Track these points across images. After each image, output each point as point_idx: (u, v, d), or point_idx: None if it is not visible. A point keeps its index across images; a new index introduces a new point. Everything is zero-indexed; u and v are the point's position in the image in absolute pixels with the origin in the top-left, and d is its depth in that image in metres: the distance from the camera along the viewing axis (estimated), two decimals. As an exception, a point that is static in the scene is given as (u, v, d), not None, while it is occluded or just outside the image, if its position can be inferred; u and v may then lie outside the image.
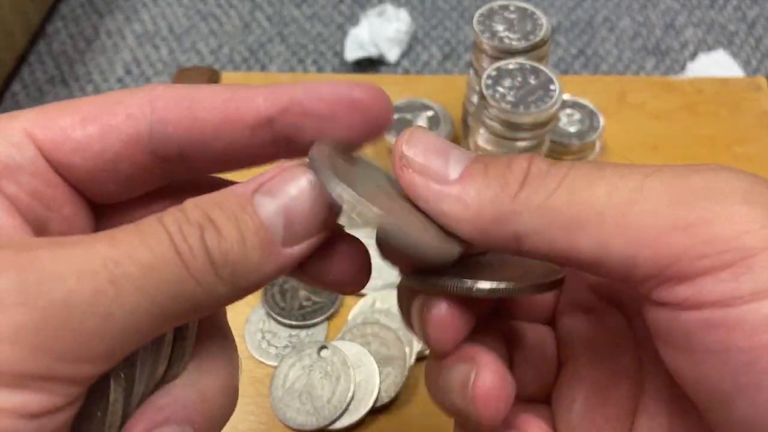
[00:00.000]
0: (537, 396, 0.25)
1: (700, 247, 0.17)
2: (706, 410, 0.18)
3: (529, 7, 0.52)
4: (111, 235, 0.18)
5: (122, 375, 0.20)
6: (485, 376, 0.21)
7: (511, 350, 0.25)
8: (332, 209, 0.20)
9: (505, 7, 0.52)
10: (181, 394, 0.21)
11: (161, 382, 0.22)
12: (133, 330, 0.18)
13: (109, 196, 0.22)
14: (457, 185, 0.20)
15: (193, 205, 0.19)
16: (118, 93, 0.21)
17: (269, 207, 0.20)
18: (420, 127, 0.22)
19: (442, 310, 0.21)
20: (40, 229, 0.20)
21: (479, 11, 0.53)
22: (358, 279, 0.23)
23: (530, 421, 0.24)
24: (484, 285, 0.20)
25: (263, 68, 0.97)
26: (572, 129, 0.55)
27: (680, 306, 0.17)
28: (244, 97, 0.21)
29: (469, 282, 0.21)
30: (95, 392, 0.19)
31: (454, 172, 0.21)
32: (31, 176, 0.20)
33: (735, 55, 0.69)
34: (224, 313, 0.25)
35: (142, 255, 0.18)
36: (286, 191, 0.20)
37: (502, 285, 0.21)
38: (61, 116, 0.20)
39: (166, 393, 0.21)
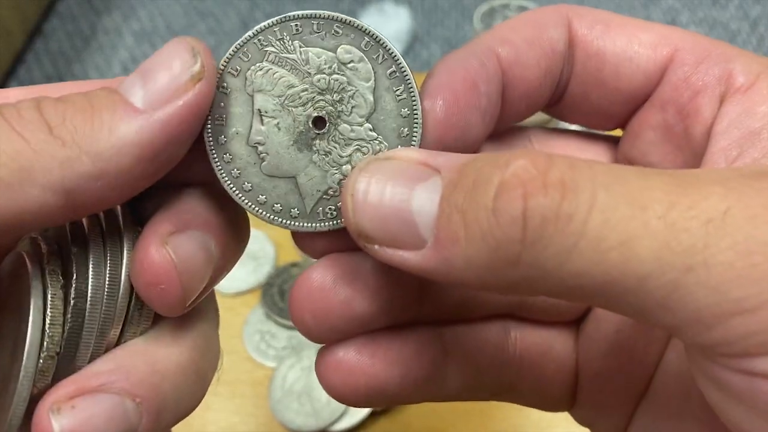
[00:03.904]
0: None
1: None
2: None
3: (530, 5, 0.52)
4: None
5: (49, 331, 0.18)
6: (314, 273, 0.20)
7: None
8: (203, 67, 0.18)
9: (506, 6, 0.52)
10: (127, 361, 0.19)
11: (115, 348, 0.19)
12: None
13: None
14: (437, 254, 0.16)
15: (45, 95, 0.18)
16: None
17: (131, 81, 0.18)
18: (362, 172, 0.18)
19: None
20: None
21: (480, 9, 0.52)
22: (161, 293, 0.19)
23: None
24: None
25: (262, 67, 0.97)
26: (574, 128, 0.55)
27: (757, 376, 0.15)
28: None
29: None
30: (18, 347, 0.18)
31: (427, 235, 0.16)
32: None
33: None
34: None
35: None
36: (155, 75, 0.18)
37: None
38: None
39: (109, 358, 0.19)
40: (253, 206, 0.20)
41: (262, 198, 0.20)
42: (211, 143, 0.20)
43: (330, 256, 0.21)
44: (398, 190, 0.17)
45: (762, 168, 0.17)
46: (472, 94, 0.20)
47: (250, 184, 0.20)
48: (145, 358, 0.19)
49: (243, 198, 0.20)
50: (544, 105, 0.23)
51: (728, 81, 0.20)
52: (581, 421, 0.24)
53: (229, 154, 0.20)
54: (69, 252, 0.19)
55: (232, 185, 0.20)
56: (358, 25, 0.20)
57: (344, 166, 0.20)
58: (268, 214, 0.20)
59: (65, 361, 0.18)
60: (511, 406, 0.44)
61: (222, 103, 0.20)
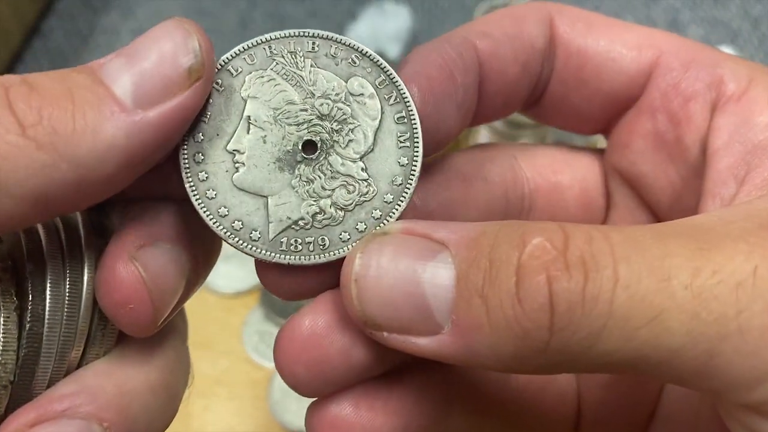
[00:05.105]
0: None
1: None
2: None
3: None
4: None
5: (1, 359, 0.16)
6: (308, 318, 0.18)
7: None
8: (197, 59, 0.16)
9: (507, 5, 0.52)
10: (92, 383, 0.17)
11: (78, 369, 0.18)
12: None
13: None
14: (458, 340, 0.15)
15: (11, 75, 0.16)
16: None
17: (116, 65, 0.16)
18: (362, 253, 0.16)
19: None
20: None
21: (480, 9, 0.52)
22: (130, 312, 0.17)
23: None
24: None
25: (261, 66, 0.97)
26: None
27: None
28: None
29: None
30: None
31: (443, 319, 0.15)
32: None
33: (739, 53, 0.69)
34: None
35: None
36: (144, 54, 0.16)
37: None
38: None
39: (72, 380, 0.17)
40: (211, 216, 0.18)
41: (223, 210, 0.18)
42: (186, 139, 0.18)
43: (319, 298, 0.19)
44: (407, 272, 0.15)
45: None
46: (448, 83, 0.19)
47: (214, 192, 0.18)
48: (112, 379, 0.17)
49: (202, 205, 0.18)
50: (522, 104, 0.22)
51: (719, 88, 0.19)
52: None
53: (202, 155, 0.18)
54: (23, 268, 0.17)
55: (194, 188, 0.18)
56: (377, 60, 0.19)
57: (323, 200, 0.18)
58: (224, 230, 0.18)
59: (20, 389, 0.17)
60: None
61: (210, 100, 0.18)
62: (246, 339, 0.47)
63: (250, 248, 0.18)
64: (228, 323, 0.48)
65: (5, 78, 0.15)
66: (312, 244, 0.18)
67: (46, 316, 0.17)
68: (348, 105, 0.19)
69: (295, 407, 0.44)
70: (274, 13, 1.06)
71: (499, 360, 0.15)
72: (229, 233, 0.18)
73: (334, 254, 0.18)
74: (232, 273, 0.50)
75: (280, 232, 0.18)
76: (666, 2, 0.69)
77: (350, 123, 0.19)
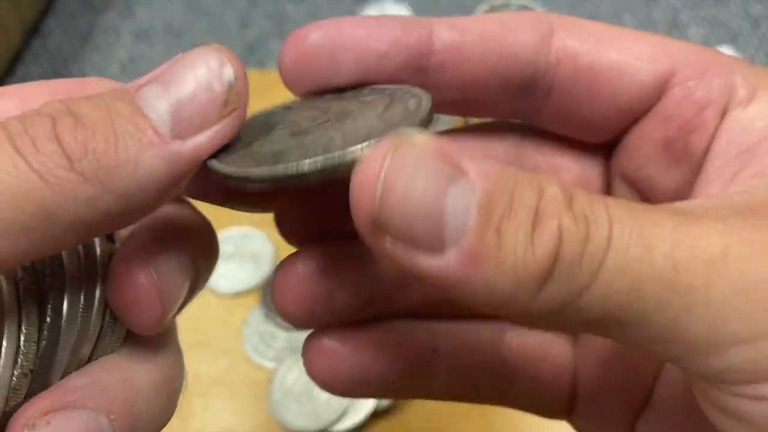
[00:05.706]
0: None
1: None
2: None
3: (530, 3, 0.52)
4: None
5: (23, 348, 0.17)
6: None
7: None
8: (236, 87, 0.17)
9: (507, 5, 0.52)
10: (102, 377, 0.18)
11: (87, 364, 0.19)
12: None
13: None
14: (459, 269, 0.15)
15: (55, 100, 0.16)
16: None
17: (153, 93, 0.17)
18: (394, 151, 0.15)
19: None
20: None
21: (480, 9, 0.52)
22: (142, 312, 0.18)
23: None
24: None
25: (261, 65, 0.97)
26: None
27: None
28: None
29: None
30: None
31: (452, 245, 0.15)
32: None
33: (739, 53, 0.69)
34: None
35: None
36: (179, 80, 0.17)
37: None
38: None
39: (84, 374, 0.18)
40: (220, 163, 0.17)
41: (229, 167, 0.18)
42: None
43: (309, 249, 0.21)
44: (433, 186, 0.15)
45: (754, 202, 0.17)
46: (359, 44, 0.19)
47: (230, 160, 0.18)
48: (120, 375, 0.18)
49: (216, 164, 0.18)
50: (508, 110, 0.22)
51: (731, 95, 0.20)
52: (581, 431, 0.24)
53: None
54: (44, 268, 0.18)
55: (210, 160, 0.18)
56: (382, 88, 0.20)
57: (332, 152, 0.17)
58: (235, 169, 0.17)
59: (38, 378, 0.18)
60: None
61: None
62: (246, 339, 0.47)
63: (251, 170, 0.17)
64: (228, 323, 0.48)
65: (52, 108, 0.16)
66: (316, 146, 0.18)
67: (65, 311, 0.18)
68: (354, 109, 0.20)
69: (295, 407, 0.44)
70: (274, 13, 1.06)
71: (490, 297, 0.15)
72: (245, 169, 0.17)
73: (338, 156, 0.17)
74: (232, 273, 0.50)
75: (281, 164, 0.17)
76: (666, 2, 0.69)
77: (356, 114, 0.19)
